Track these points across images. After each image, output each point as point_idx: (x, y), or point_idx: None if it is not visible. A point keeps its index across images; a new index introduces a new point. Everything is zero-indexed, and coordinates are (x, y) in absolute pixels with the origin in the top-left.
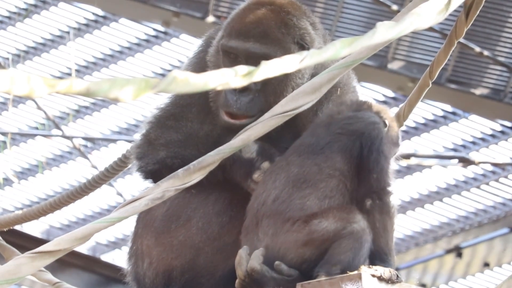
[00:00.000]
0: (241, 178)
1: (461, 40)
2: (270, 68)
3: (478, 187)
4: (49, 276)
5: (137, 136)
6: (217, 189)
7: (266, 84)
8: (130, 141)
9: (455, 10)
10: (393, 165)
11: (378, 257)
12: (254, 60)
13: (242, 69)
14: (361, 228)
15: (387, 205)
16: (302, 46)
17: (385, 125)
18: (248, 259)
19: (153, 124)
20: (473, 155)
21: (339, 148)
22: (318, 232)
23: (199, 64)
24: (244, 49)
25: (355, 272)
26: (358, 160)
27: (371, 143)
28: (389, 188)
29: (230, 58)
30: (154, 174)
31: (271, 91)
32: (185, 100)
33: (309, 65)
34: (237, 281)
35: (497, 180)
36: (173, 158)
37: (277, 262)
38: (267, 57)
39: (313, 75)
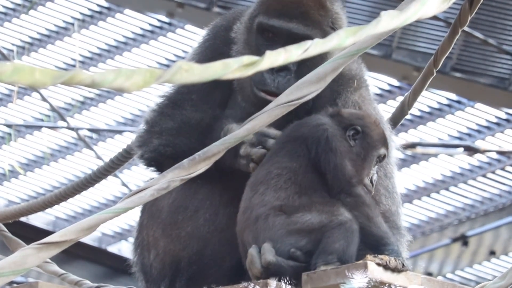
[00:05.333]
0: (229, 159)
1: (466, 28)
2: (275, 58)
3: (483, 175)
4: (55, 267)
5: (141, 124)
6: (223, 179)
7: (302, 65)
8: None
9: None
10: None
11: (379, 242)
12: (293, 40)
13: (246, 59)
14: (348, 218)
15: (359, 196)
16: (334, 30)
17: (356, 131)
18: (260, 256)
19: (154, 112)
20: (478, 144)
21: (284, 153)
22: (302, 223)
23: (205, 54)
24: (287, 29)
25: (361, 261)
26: (307, 160)
27: (317, 145)
28: (354, 180)
29: (267, 36)
30: (153, 161)
31: (306, 72)
32: (187, 88)
33: (315, 54)
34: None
35: (502, 168)
36: (166, 146)
37: (292, 250)
38: (308, 38)
39: None
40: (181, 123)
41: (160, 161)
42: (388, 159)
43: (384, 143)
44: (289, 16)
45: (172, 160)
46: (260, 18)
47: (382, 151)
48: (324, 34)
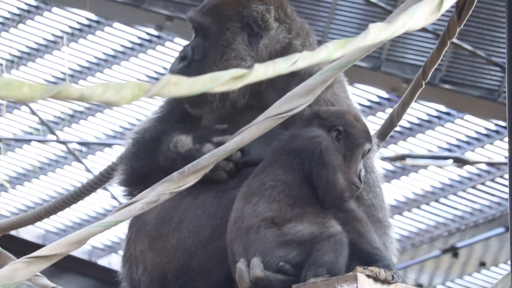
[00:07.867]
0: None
1: (454, 40)
2: (263, 71)
3: (473, 187)
4: (45, 281)
5: (118, 161)
6: (205, 190)
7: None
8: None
9: (448, 11)
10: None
11: (370, 259)
12: (196, 30)
13: (234, 72)
14: (338, 231)
15: (350, 211)
16: (252, 28)
17: (339, 132)
18: (248, 270)
19: (128, 150)
20: (468, 155)
21: (279, 165)
22: (292, 234)
23: None
24: (188, 18)
25: (351, 273)
26: (302, 174)
27: (310, 159)
28: (346, 195)
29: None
30: (127, 193)
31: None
32: (155, 119)
33: (303, 67)
34: None
35: (492, 180)
36: (125, 171)
37: (281, 263)
38: (202, 26)
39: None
40: (138, 146)
41: (130, 188)
42: (369, 153)
43: (367, 137)
44: (200, 8)
45: (140, 184)
46: None
47: (367, 146)
48: (222, 27)
